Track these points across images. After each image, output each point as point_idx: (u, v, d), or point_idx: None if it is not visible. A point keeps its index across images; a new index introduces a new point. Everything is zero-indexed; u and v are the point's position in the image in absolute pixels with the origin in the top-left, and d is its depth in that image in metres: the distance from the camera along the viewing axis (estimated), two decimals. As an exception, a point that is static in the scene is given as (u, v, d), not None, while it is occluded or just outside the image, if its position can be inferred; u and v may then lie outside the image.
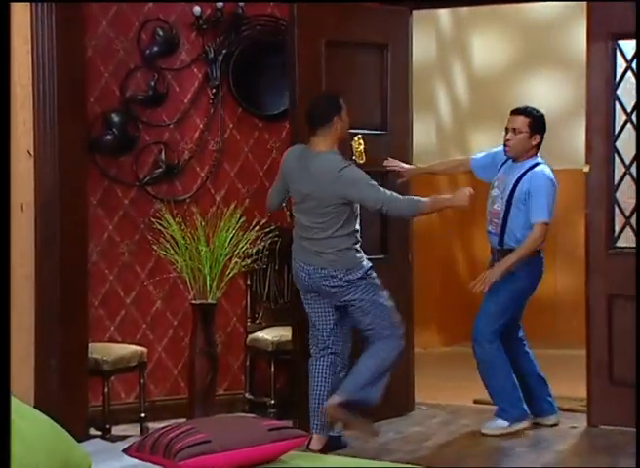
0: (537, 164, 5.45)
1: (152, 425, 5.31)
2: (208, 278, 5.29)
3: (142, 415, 5.45)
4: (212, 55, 5.91)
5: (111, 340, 5.68)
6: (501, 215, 5.42)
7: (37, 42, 4.53)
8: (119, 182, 5.77)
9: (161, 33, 5.81)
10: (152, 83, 5.80)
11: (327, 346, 5.12)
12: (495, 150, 5.65)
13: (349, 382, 5.03)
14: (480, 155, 5.78)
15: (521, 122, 5.42)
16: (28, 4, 4.51)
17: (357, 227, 5.07)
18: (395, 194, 5.01)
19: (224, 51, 5.94)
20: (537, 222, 5.34)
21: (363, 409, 5.02)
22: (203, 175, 5.97)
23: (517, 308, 5.54)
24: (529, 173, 5.40)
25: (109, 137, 5.69)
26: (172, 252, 5.34)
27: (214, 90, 5.95)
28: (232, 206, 5.50)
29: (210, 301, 5.32)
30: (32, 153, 4.57)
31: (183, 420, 4.25)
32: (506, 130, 5.45)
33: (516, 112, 5.47)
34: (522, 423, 5.45)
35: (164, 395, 5.85)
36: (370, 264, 5.07)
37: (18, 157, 4.54)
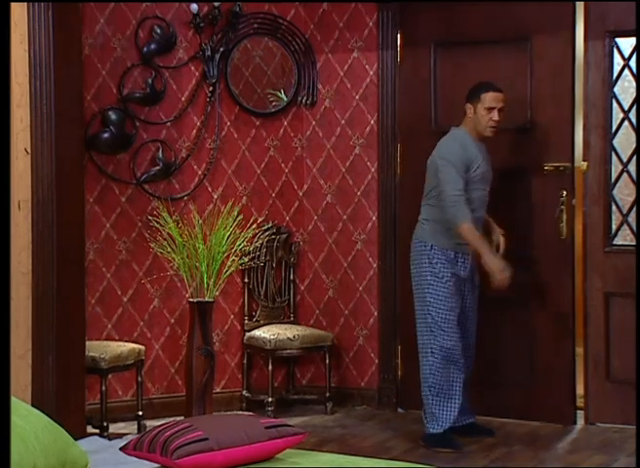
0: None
1: (150, 423, 5.31)
2: (205, 276, 5.29)
3: (140, 413, 5.44)
4: (209, 52, 5.91)
5: (108, 338, 5.68)
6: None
7: (34, 40, 4.52)
8: (116, 180, 5.76)
9: (158, 31, 5.81)
10: (150, 81, 5.79)
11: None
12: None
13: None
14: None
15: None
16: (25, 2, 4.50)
17: None
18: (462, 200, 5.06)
19: (222, 49, 5.94)
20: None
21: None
22: (200, 172, 5.97)
23: None
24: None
25: (107, 135, 5.68)
26: (169, 250, 5.33)
27: (211, 88, 5.94)
28: (230, 204, 5.50)
29: (207, 299, 5.31)
30: (29, 151, 4.56)
31: (181, 418, 4.23)
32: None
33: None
34: None
35: (161, 393, 5.85)
36: None
37: (15, 155, 4.52)
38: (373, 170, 6.11)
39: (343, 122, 6.18)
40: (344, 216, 6.18)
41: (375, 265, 6.10)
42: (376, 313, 6.07)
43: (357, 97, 6.15)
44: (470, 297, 5.28)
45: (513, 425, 5.63)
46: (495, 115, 5.18)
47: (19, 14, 4.47)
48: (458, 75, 5.83)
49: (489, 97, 5.18)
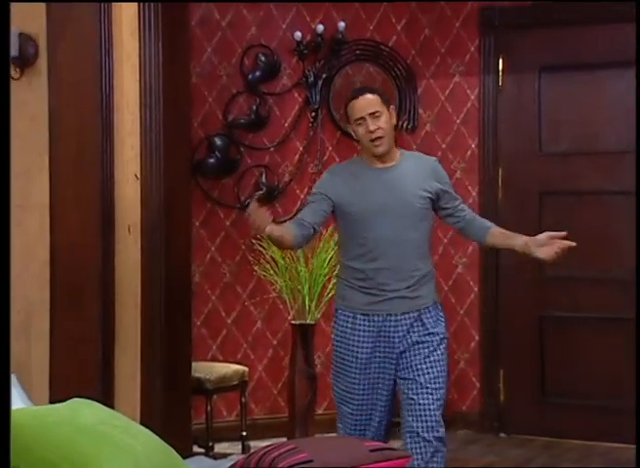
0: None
1: (253, 443, 5.37)
2: (307, 298, 5.34)
3: (244, 434, 5.51)
4: (312, 79, 5.99)
5: (213, 359, 5.77)
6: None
7: (145, 70, 4.65)
8: (221, 204, 5.88)
9: (263, 59, 5.91)
10: (254, 107, 5.90)
11: None
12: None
13: None
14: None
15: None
16: (137, 32, 4.63)
17: (342, 259, 4.04)
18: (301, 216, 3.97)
19: (324, 75, 6.02)
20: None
21: None
22: (302, 197, 6.04)
23: None
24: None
25: (212, 161, 5.81)
26: (272, 272, 5.41)
27: (313, 113, 6.02)
28: (331, 227, 5.55)
29: (309, 321, 5.37)
30: (139, 176, 4.68)
31: (284, 439, 4.28)
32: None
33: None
34: None
35: (264, 414, 5.92)
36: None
37: (125, 180, 4.65)
38: (474, 193, 6.11)
39: (444, 146, 6.20)
40: (445, 240, 6.18)
41: (476, 289, 6.08)
42: (477, 337, 6.05)
43: (458, 121, 6.16)
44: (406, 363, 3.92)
45: (623, 450, 5.54)
46: (369, 125, 3.88)
47: (131, 46, 4.61)
48: (563, 99, 5.85)
49: (354, 108, 3.93)
